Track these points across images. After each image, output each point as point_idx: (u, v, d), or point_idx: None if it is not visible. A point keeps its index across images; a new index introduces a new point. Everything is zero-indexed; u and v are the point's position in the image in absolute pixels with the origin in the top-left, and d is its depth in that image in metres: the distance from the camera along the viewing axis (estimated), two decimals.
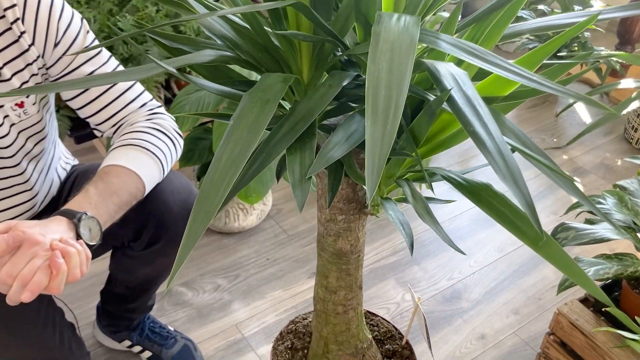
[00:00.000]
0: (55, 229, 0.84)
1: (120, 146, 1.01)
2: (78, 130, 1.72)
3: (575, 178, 2.24)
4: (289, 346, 1.17)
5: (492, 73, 0.70)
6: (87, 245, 0.86)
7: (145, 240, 1.13)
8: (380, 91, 0.48)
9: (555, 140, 2.48)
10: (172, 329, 1.48)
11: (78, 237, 0.86)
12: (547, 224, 1.94)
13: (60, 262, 0.78)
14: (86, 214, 0.88)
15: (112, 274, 1.31)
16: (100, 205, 0.91)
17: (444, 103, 0.61)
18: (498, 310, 1.65)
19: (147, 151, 1.01)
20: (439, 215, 1.99)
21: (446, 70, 0.61)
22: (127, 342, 1.42)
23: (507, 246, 1.88)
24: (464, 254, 0.67)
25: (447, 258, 1.83)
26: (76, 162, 1.32)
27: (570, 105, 0.97)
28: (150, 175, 1.01)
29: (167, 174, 1.08)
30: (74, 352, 1.07)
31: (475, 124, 0.54)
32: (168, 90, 1.87)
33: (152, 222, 1.11)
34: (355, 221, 0.93)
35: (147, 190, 1.01)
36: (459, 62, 0.71)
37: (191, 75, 0.74)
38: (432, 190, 0.70)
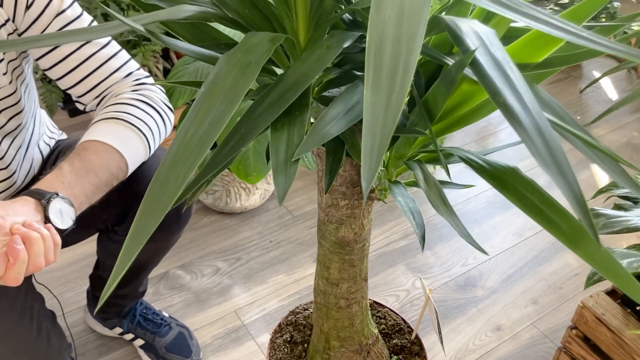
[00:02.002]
0: (19, 210, 0.74)
1: (101, 120, 0.92)
2: (71, 102, 1.61)
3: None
4: (288, 339, 1.08)
5: (521, 36, 0.59)
6: (58, 230, 0.77)
7: (130, 224, 1.03)
8: (384, 48, 0.37)
9: (579, 118, 2.34)
10: (166, 315, 1.39)
11: (47, 220, 0.77)
12: (569, 208, 1.82)
13: (19, 248, 0.69)
14: (57, 195, 0.78)
15: (100, 258, 1.22)
16: (74, 185, 0.82)
17: (467, 68, 0.49)
18: (515, 300, 1.54)
19: (131, 126, 0.91)
20: (451, 197, 1.87)
21: (469, 28, 0.49)
22: (119, 330, 1.34)
23: (526, 230, 1.76)
24: (486, 253, 0.56)
25: (461, 242, 1.72)
26: (63, 136, 1.22)
27: (596, 80, 0.87)
28: (134, 153, 0.92)
29: (154, 152, 0.98)
30: (53, 344, 0.98)
31: (505, 93, 0.42)
32: (167, 61, 1.76)
33: (138, 205, 1.01)
34: (359, 207, 0.82)
35: (131, 170, 0.92)
36: (485, 21, 0.59)
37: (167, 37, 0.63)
38: (449, 174, 0.59)
